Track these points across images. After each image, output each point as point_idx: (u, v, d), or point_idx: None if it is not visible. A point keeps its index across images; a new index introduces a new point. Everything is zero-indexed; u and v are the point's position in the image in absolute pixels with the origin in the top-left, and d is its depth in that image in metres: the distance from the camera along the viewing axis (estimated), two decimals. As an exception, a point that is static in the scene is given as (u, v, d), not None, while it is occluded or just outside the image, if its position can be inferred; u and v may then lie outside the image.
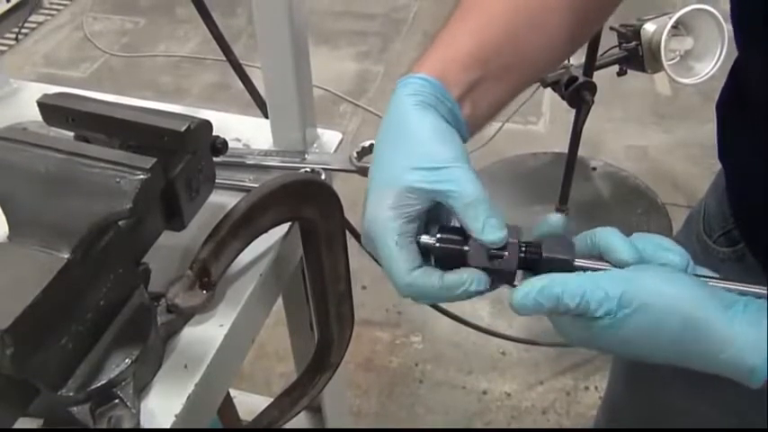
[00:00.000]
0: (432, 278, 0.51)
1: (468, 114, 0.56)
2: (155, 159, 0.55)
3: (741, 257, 0.64)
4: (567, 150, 1.92)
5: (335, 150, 0.88)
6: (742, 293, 0.47)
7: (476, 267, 0.51)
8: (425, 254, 0.52)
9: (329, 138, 0.90)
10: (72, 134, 0.66)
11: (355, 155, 0.78)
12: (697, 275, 0.49)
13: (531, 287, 0.49)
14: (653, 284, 0.46)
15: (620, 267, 0.49)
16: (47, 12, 3.25)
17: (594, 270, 0.50)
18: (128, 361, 0.58)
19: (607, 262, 0.51)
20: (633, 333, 0.46)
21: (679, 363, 0.47)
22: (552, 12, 0.58)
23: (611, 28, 1.76)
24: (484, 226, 0.51)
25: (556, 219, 0.53)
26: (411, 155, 0.51)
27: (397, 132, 0.52)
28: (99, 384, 0.56)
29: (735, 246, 0.64)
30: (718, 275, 0.50)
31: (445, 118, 0.53)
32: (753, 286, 0.48)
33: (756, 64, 0.54)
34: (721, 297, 0.46)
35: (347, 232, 0.78)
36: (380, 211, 0.50)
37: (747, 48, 0.55)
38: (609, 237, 0.51)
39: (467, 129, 0.56)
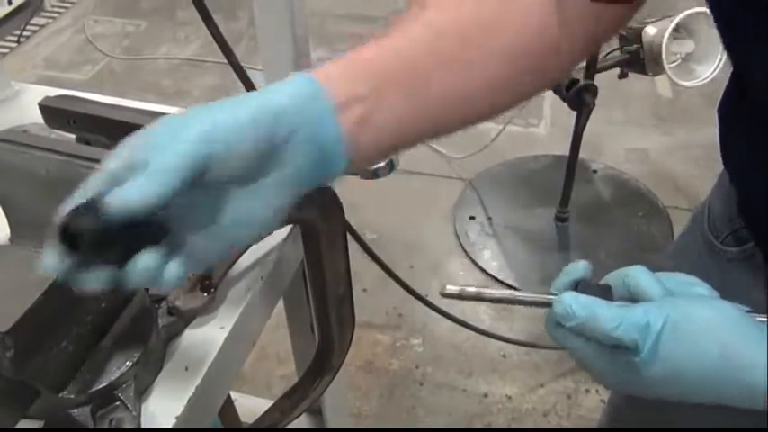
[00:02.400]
0: None
1: (352, 131, 0.49)
2: (156, 162, 0.55)
3: (749, 257, 0.63)
4: (568, 153, 1.92)
5: (336, 153, 0.88)
6: None
7: None
8: None
9: (330, 140, 0.89)
10: (73, 136, 0.66)
11: (356, 157, 0.78)
12: None
13: (576, 299, 0.48)
14: (689, 310, 0.46)
15: None
16: (48, 14, 3.26)
17: None
18: (129, 363, 0.58)
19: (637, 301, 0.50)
20: (672, 366, 0.45)
21: (717, 399, 0.46)
22: (481, 52, 0.53)
23: (612, 31, 1.76)
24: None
25: (583, 265, 0.52)
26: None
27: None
28: (100, 386, 0.57)
29: (743, 245, 0.64)
30: (749, 308, 0.49)
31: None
32: None
33: (756, 69, 0.54)
34: (761, 328, 0.46)
35: (348, 234, 0.78)
36: None
37: (744, 53, 0.55)
38: (637, 275, 0.50)
39: (346, 145, 0.49)
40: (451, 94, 0.53)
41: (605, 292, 0.51)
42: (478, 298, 0.52)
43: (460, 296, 0.52)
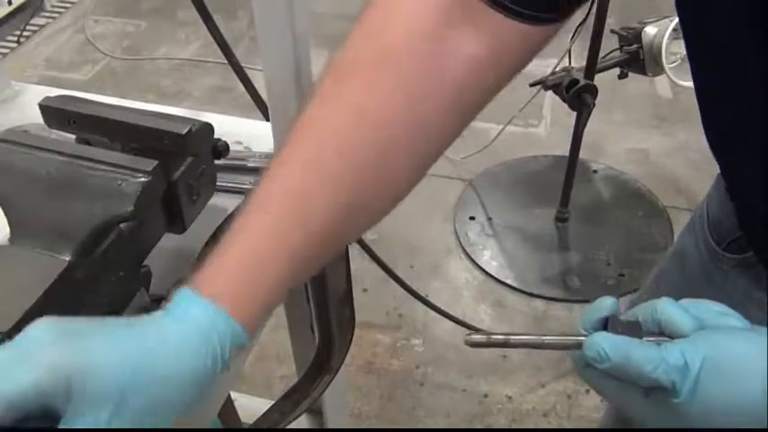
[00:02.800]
0: None
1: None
2: (156, 162, 0.56)
3: (753, 265, 0.62)
4: (568, 153, 1.92)
5: (336, 153, 0.88)
6: None
7: None
8: None
9: (330, 140, 0.89)
10: (73, 137, 0.66)
11: (356, 158, 0.78)
12: None
13: (608, 340, 0.46)
14: (727, 346, 0.44)
15: None
16: (48, 15, 3.26)
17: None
18: (129, 363, 0.58)
19: (669, 336, 0.48)
20: (712, 404, 0.44)
21: (759, 426, 0.45)
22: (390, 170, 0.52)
23: (612, 31, 1.76)
24: None
25: (611, 302, 0.50)
26: None
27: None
28: (100, 387, 0.56)
29: (745, 253, 0.63)
30: None
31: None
32: None
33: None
34: None
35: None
36: None
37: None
38: (668, 311, 0.47)
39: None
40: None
41: (635, 329, 0.48)
42: (505, 344, 0.51)
43: (487, 344, 0.50)
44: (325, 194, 0.50)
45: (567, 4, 0.52)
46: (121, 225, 0.57)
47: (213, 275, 0.47)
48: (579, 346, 0.48)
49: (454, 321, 1.77)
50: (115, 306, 0.59)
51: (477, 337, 0.50)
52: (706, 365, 0.44)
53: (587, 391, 1.72)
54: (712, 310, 0.48)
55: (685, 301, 0.49)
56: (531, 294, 1.94)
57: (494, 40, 0.52)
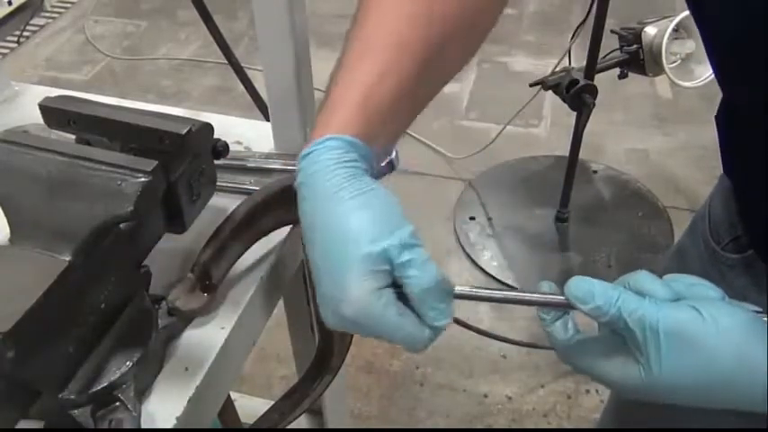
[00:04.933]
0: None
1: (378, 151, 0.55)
2: (156, 162, 0.55)
3: (750, 264, 0.63)
4: (568, 153, 1.92)
5: (336, 153, 0.88)
6: None
7: None
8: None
9: (330, 141, 0.89)
10: (73, 137, 0.66)
11: (356, 158, 0.78)
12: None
13: (593, 281, 0.49)
14: (701, 312, 0.46)
15: None
16: (48, 15, 3.26)
17: None
18: (129, 364, 0.58)
19: None
20: (684, 372, 0.45)
21: (732, 404, 0.46)
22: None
23: (612, 31, 1.76)
24: (435, 315, 0.53)
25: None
26: (368, 230, 0.51)
27: (343, 208, 0.50)
28: (100, 387, 0.56)
29: (744, 252, 0.64)
30: (762, 310, 0.48)
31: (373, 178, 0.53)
32: None
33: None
34: None
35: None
36: (365, 294, 0.51)
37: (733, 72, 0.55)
38: (642, 280, 0.49)
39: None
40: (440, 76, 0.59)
41: None
42: (486, 299, 0.54)
43: (471, 296, 0.54)
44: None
45: None
46: (121, 225, 0.57)
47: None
48: (562, 303, 0.50)
49: (454, 321, 1.76)
50: (115, 306, 0.59)
51: (460, 289, 0.54)
52: (672, 331, 0.45)
53: (587, 391, 1.72)
54: (687, 281, 0.50)
55: (665, 276, 0.50)
56: (531, 294, 1.94)
57: None
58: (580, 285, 0.48)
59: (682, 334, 0.45)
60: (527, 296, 0.53)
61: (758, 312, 0.48)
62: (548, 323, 0.52)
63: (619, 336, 0.48)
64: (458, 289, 0.53)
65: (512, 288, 1.95)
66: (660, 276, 0.50)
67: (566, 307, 0.51)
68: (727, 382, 0.45)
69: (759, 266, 0.61)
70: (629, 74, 1.79)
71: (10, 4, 2.85)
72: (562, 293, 0.50)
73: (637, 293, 0.48)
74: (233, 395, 1.11)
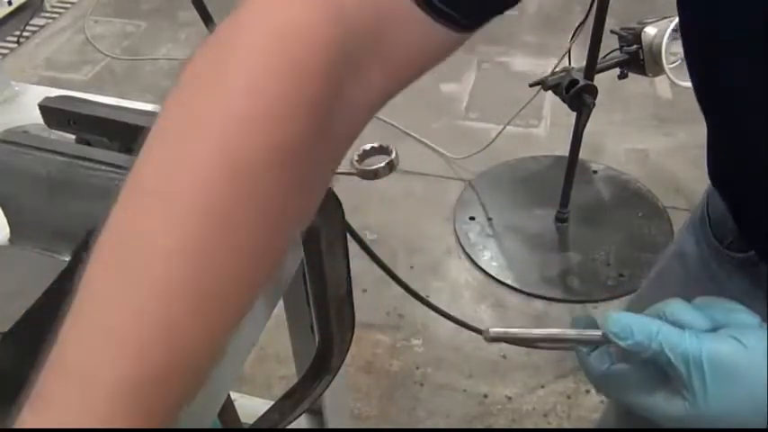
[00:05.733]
0: None
1: None
2: (156, 162, 0.55)
3: (755, 263, 0.62)
4: (567, 153, 1.92)
5: (336, 153, 0.88)
6: None
7: None
8: None
9: (330, 141, 0.89)
10: (73, 137, 0.66)
11: (356, 158, 0.78)
12: None
13: (630, 315, 0.48)
14: (737, 348, 0.45)
15: None
16: (48, 15, 3.26)
17: None
18: (129, 364, 0.58)
19: None
20: (728, 405, 0.45)
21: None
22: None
23: (612, 31, 1.76)
24: None
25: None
26: None
27: None
28: (100, 387, 0.56)
29: (748, 251, 0.63)
30: None
31: None
32: None
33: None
34: None
35: (348, 235, 0.78)
36: None
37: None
38: (678, 310, 0.48)
39: None
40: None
41: None
42: (522, 339, 0.52)
43: (504, 338, 0.51)
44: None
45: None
46: (121, 225, 0.57)
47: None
48: (599, 340, 0.49)
49: (454, 322, 1.76)
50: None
51: (494, 331, 0.50)
52: (716, 364, 0.44)
53: (587, 391, 1.72)
54: (724, 306, 0.49)
55: (697, 300, 0.49)
56: (531, 295, 1.94)
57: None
58: (618, 321, 0.47)
59: (726, 366, 0.44)
60: (564, 334, 0.51)
61: None
62: (584, 355, 0.51)
63: (657, 366, 0.47)
64: (492, 331, 0.51)
65: (510, 287, 1.95)
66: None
67: (604, 343, 0.49)
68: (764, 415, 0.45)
69: (764, 265, 0.61)
70: (629, 74, 1.79)
71: (10, 4, 2.85)
72: (597, 327, 0.49)
73: (673, 323, 0.47)
74: (233, 395, 1.11)
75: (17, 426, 0.34)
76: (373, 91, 0.43)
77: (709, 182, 0.70)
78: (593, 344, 0.50)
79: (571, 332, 0.51)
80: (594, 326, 0.50)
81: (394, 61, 0.43)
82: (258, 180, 0.36)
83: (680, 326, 0.47)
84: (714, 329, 0.47)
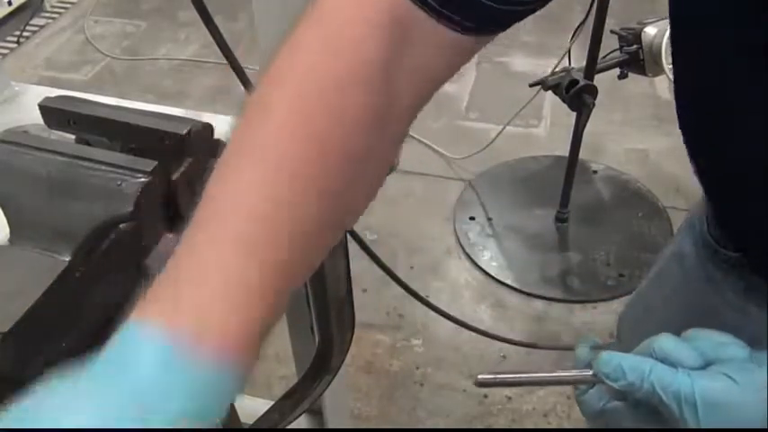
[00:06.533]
0: None
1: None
2: (156, 162, 0.56)
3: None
4: (567, 153, 1.92)
5: (336, 153, 0.88)
6: None
7: None
8: None
9: (330, 141, 0.89)
10: (73, 137, 0.66)
11: (356, 158, 0.78)
12: None
13: (622, 355, 0.48)
14: (728, 388, 0.45)
15: None
16: (48, 15, 3.26)
17: None
18: (129, 364, 0.58)
19: None
20: None
21: None
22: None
23: (612, 31, 1.76)
24: None
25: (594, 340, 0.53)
26: None
27: None
28: (100, 387, 0.56)
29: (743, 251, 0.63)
30: None
31: None
32: None
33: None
34: None
35: (348, 235, 0.78)
36: None
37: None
38: (668, 347, 0.48)
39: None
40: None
41: None
42: (515, 383, 0.52)
43: (495, 383, 0.51)
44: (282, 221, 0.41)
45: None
46: (121, 225, 0.57)
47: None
48: (591, 380, 0.49)
49: (454, 322, 1.76)
50: (115, 306, 0.59)
51: (483, 377, 0.50)
52: (709, 403, 0.45)
53: (587, 391, 1.72)
54: (713, 340, 0.49)
55: (687, 333, 0.50)
56: (531, 295, 1.94)
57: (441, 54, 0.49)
58: (609, 362, 0.48)
59: (719, 405, 0.45)
60: (556, 376, 0.51)
61: None
62: (579, 393, 0.52)
63: (651, 405, 0.47)
64: (480, 378, 0.50)
65: (510, 288, 1.95)
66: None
67: (596, 383, 0.50)
68: None
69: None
70: (629, 74, 1.79)
71: (10, 4, 2.85)
72: (597, 353, 0.49)
73: (664, 361, 0.47)
74: (233, 395, 1.11)
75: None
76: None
77: None
78: (586, 384, 0.50)
79: (564, 374, 0.51)
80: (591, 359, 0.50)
81: (416, 68, 0.47)
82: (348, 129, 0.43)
83: (671, 363, 0.47)
84: (705, 365, 0.47)
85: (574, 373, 0.50)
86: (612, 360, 0.48)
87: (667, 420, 0.47)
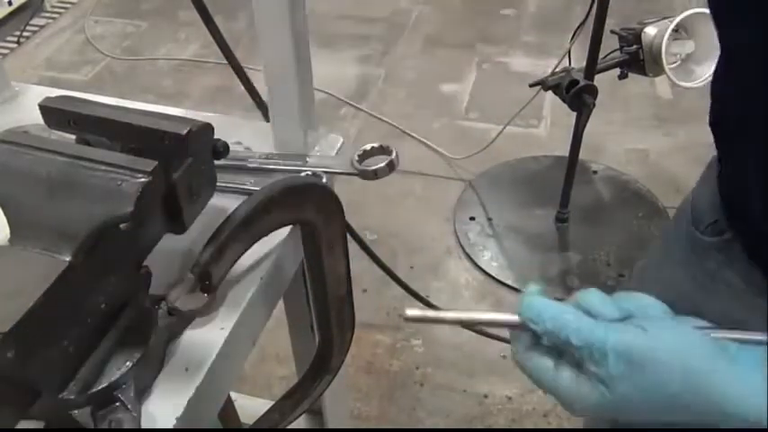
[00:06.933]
0: None
1: None
2: (156, 162, 0.55)
3: (727, 246, 0.64)
4: (568, 154, 1.92)
5: (337, 153, 0.88)
6: (741, 342, 0.48)
7: None
8: None
9: (330, 141, 0.90)
10: (73, 137, 0.66)
11: (356, 158, 0.78)
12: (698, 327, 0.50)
13: (542, 301, 0.50)
14: (651, 334, 0.47)
15: None
16: (49, 15, 3.26)
17: None
18: (129, 364, 0.58)
19: None
20: (635, 393, 0.46)
21: (678, 419, 0.47)
22: None
23: (612, 31, 1.77)
24: None
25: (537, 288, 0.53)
26: None
27: None
28: (100, 387, 0.57)
29: (721, 236, 0.65)
30: (713, 325, 0.50)
31: None
32: (752, 333, 0.49)
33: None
34: (721, 347, 0.47)
35: (348, 235, 0.78)
36: None
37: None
38: (592, 300, 0.50)
39: None
40: None
41: None
42: (439, 320, 0.52)
43: (421, 319, 0.52)
44: None
45: None
46: (121, 225, 0.57)
47: None
48: (515, 323, 0.50)
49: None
50: (115, 307, 0.59)
51: (412, 312, 0.51)
52: (619, 351, 0.46)
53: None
54: (639, 303, 0.51)
55: (616, 294, 0.52)
56: (531, 295, 1.94)
57: None
58: (531, 306, 0.50)
59: (628, 353, 0.46)
60: (479, 318, 0.52)
61: (707, 328, 0.49)
62: (513, 335, 0.53)
63: (571, 354, 0.49)
64: (409, 313, 0.51)
65: (510, 288, 1.95)
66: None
67: (519, 327, 0.51)
68: (676, 399, 0.46)
69: (735, 248, 0.63)
70: (629, 74, 1.79)
71: (10, 4, 2.85)
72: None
73: (587, 313, 0.49)
74: (233, 395, 1.11)
75: None
76: None
77: (701, 175, 0.71)
78: (510, 327, 0.51)
79: (486, 315, 0.52)
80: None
81: None
82: None
83: (592, 315, 0.49)
84: (624, 319, 0.49)
85: (500, 315, 0.51)
86: (534, 304, 0.49)
87: (586, 372, 0.48)
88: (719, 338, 0.48)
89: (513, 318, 0.50)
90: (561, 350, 0.50)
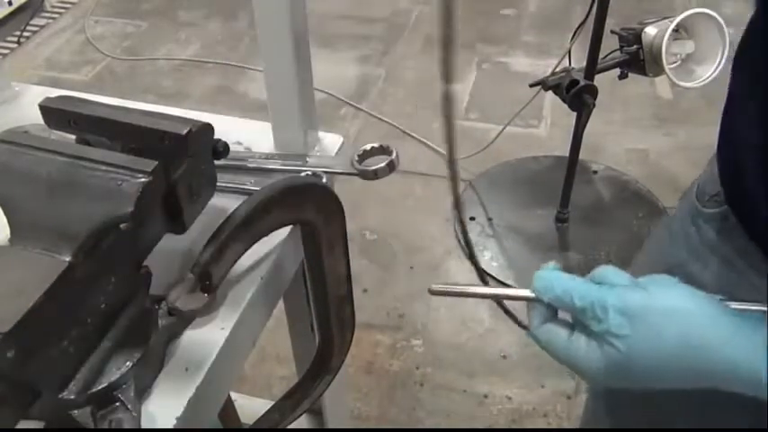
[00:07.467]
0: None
1: None
2: (156, 162, 0.55)
3: (724, 219, 0.65)
4: (568, 154, 1.92)
5: (337, 153, 0.88)
6: (742, 311, 0.49)
7: None
8: None
9: (330, 141, 0.90)
10: (74, 137, 0.66)
11: (356, 158, 0.79)
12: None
13: (553, 272, 0.54)
14: (654, 294, 0.48)
15: None
16: (49, 15, 3.26)
17: None
18: (129, 364, 0.58)
19: None
20: (641, 349, 0.47)
21: (685, 383, 0.48)
22: None
23: (612, 31, 1.76)
24: None
25: (554, 265, 0.58)
26: None
27: None
28: (100, 387, 0.57)
29: (720, 207, 0.66)
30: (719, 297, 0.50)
31: None
32: (752, 304, 0.50)
33: None
34: (723, 307, 0.47)
35: (348, 235, 0.78)
36: None
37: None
38: (606, 272, 0.53)
39: None
40: None
41: None
42: (462, 294, 0.58)
43: (445, 293, 0.56)
44: None
45: None
46: (121, 225, 0.57)
47: None
48: (528, 296, 0.55)
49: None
50: (115, 307, 0.59)
51: (437, 286, 0.56)
52: (620, 308, 0.48)
53: (587, 391, 1.72)
54: (653, 276, 0.52)
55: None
56: (531, 295, 1.94)
57: None
58: (541, 277, 0.54)
59: (627, 307, 0.48)
60: (501, 291, 0.59)
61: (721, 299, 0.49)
62: (530, 311, 0.56)
63: (582, 324, 0.50)
64: (433, 287, 0.56)
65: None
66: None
67: (532, 299, 0.55)
68: (675, 359, 0.47)
69: (731, 221, 0.64)
70: (630, 74, 1.79)
71: (10, 4, 2.85)
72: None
73: (599, 284, 0.52)
74: (233, 395, 1.11)
75: None
76: None
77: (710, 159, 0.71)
78: (526, 300, 0.56)
79: (505, 290, 0.59)
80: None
81: None
82: None
83: (604, 282, 0.51)
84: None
85: (518, 291, 0.57)
86: (546, 276, 0.54)
87: (595, 338, 0.49)
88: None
89: (529, 293, 0.55)
90: (574, 322, 0.52)
